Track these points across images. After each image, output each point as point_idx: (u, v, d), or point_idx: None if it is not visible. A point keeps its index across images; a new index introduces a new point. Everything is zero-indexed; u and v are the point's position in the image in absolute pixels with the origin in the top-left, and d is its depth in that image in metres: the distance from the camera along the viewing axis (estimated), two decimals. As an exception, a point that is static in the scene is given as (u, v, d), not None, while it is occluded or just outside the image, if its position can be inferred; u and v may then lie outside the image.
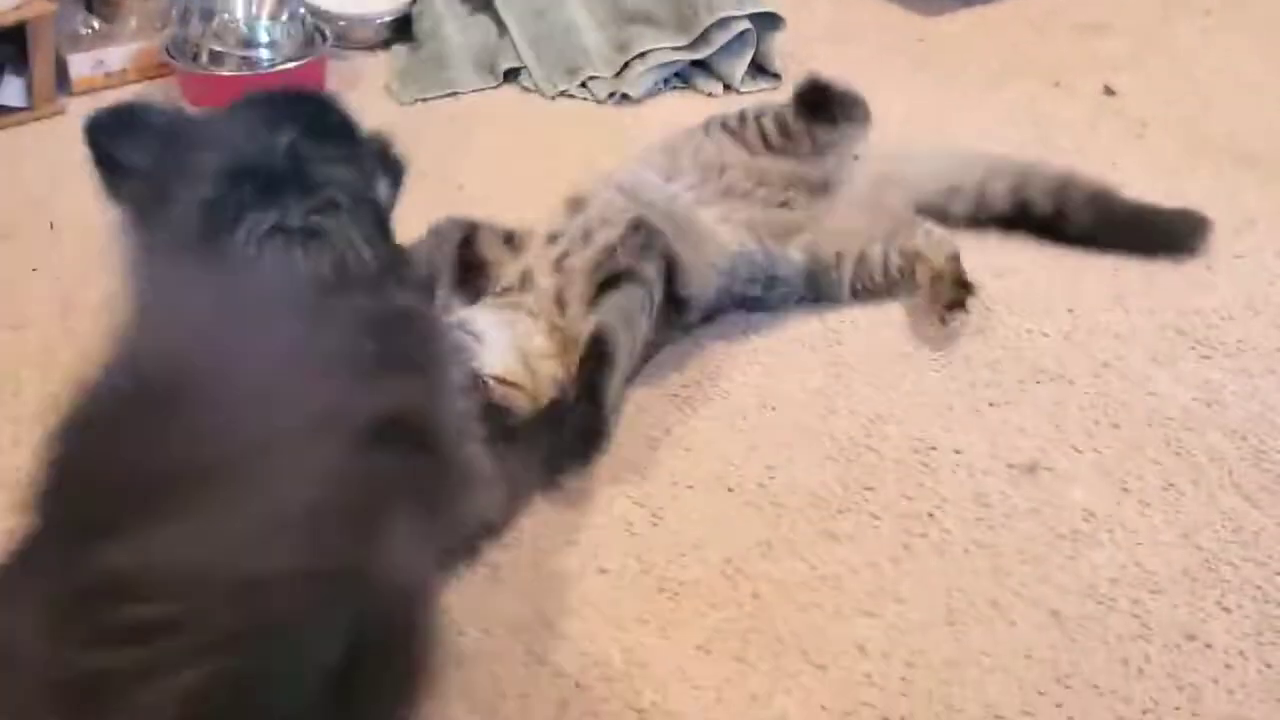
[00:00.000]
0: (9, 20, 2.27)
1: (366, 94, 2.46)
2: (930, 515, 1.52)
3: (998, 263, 1.97)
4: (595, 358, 1.56)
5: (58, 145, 2.27)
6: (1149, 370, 1.76)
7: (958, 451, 1.61)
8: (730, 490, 1.55)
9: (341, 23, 2.56)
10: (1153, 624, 1.38)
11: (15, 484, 1.53)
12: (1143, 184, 2.20)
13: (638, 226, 1.71)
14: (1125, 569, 1.45)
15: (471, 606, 1.38)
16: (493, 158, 2.27)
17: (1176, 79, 2.61)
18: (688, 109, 2.44)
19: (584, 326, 1.60)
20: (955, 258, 1.86)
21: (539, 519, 1.50)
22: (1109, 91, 2.56)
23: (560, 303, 1.66)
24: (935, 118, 2.43)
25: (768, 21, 2.51)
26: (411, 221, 2.00)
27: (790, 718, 1.27)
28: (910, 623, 1.38)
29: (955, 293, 1.80)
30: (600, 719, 1.27)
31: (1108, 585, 1.43)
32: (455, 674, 1.30)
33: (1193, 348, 1.81)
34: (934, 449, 1.62)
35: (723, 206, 1.82)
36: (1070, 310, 1.88)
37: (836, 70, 2.53)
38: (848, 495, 1.55)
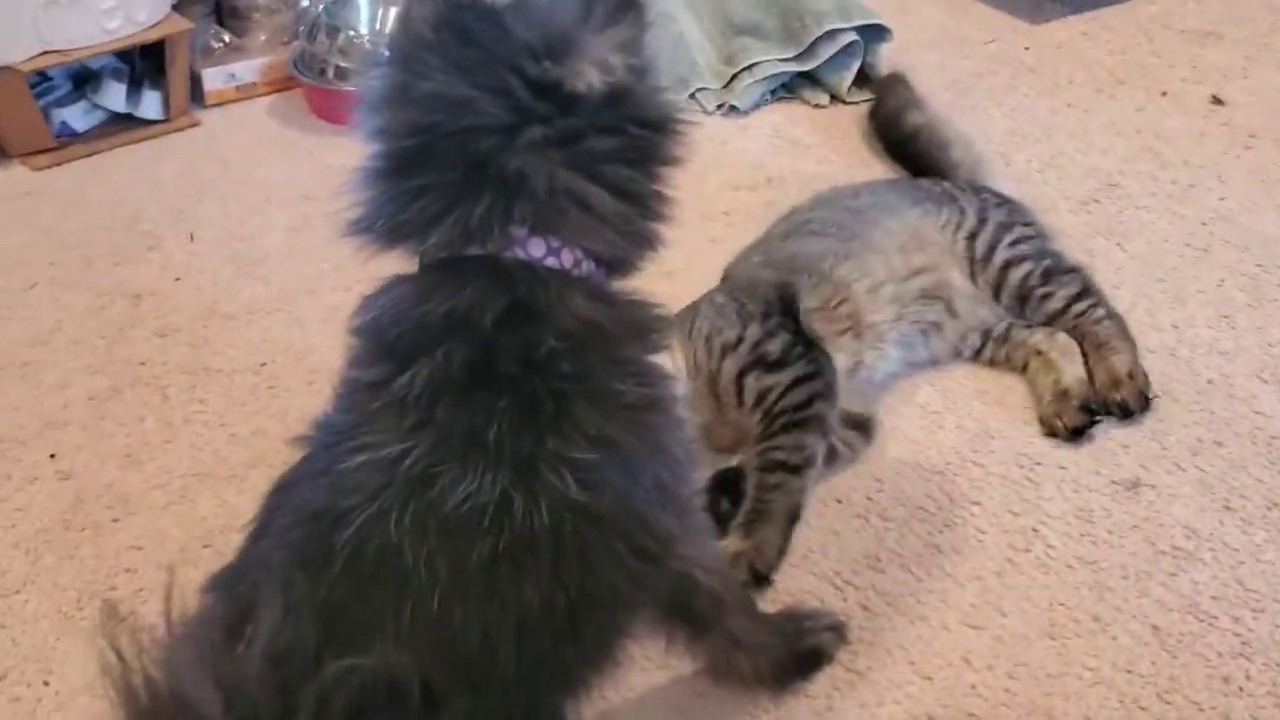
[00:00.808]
0: (150, 37, 2.39)
1: (484, 105, 2.55)
2: (1034, 530, 1.56)
3: (1102, 279, 1.99)
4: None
5: (194, 156, 2.39)
6: (1254, 388, 1.79)
7: (1062, 467, 1.66)
8: (839, 502, 1.61)
9: (460, 36, 2.65)
10: (1254, 642, 1.42)
11: (168, 485, 1.65)
12: (1249, 197, 2.22)
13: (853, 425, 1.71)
14: (1227, 587, 1.48)
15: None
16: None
17: (1287, 88, 2.61)
18: (793, 120, 2.50)
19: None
20: (1084, 381, 1.76)
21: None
22: (1217, 101, 2.56)
23: (717, 399, 1.69)
24: (1039, 130, 2.45)
25: (874, 33, 2.55)
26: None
27: (898, 725, 1.33)
28: (1014, 635, 1.43)
29: (1080, 418, 1.71)
30: (717, 721, 1.35)
31: (1209, 603, 1.46)
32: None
33: (1298, 365, 1.83)
34: (1039, 464, 1.67)
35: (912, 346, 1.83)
36: (1175, 326, 1.91)
37: (939, 81, 2.58)
38: (954, 509, 1.60)
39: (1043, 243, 1.93)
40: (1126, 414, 1.73)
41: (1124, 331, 1.83)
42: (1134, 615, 1.45)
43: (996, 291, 1.87)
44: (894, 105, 2.36)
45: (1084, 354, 1.80)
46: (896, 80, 2.44)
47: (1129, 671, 1.39)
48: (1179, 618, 1.45)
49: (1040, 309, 1.86)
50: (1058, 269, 1.89)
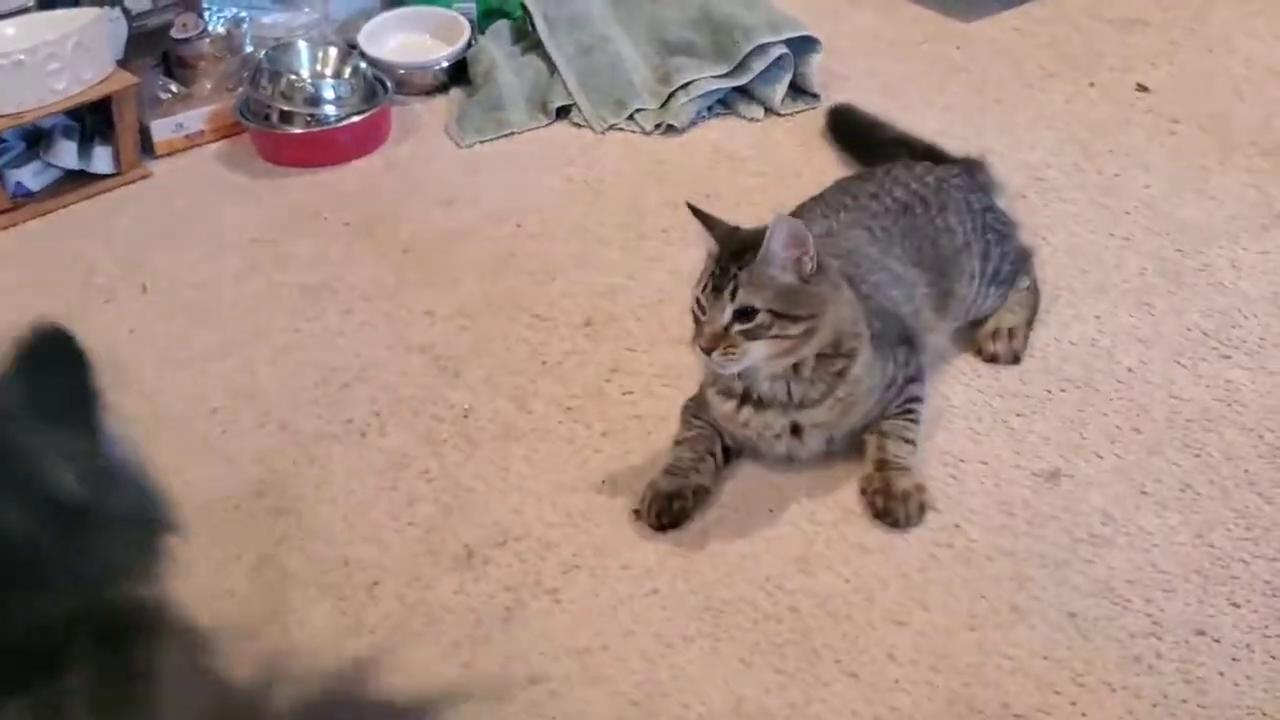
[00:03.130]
0: (97, 94, 2.45)
1: (427, 139, 2.61)
2: (957, 526, 1.63)
3: (1027, 273, 2.06)
4: None
5: (146, 207, 2.45)
6: (1171, 372, 1.85)
7: (984, 463, 1.72)
8: (770, 511, 1.67)
9: (401, 72, 2.71)
10: (1164, 621, 1.48)
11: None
12: (1171, 183, 2.28)
13: None
14: (1140, 570, 1.55)
15: (534, 632, 1.53)
16: (547, 195, 2.40)
17: (1211, 72, 2.66)
18: (730, 135, 2.56)
19: None
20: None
21: (594, 545, 1.64)
22: (1142, 89, 2.62)
23: None
24: (968, 128, 2.51)
25: (804, 44, 2.61)
26: (469, 271, 2.15)
27: (824, 723, 1.40)
28: (936, 629, 1.49)
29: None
30: (652, 731, 1.41)
31: (1123, 586, 1.53)
32: (521, 694, 1.45)
33: (1215, 347, 1.89)
34: (962, 461, 1.73)
35: None
36: (1097, 317, 1.97)
37: (872, 86, 2.65)
38: (881, 509, 1.67)
39: None
40: (993, 361, 1.89)
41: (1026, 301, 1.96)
42: (1051, 603, 1.52)
43: None
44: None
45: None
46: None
47: (1045, 658, 1.45)
48: (1094, 602, 1.51)
49: None
50: None
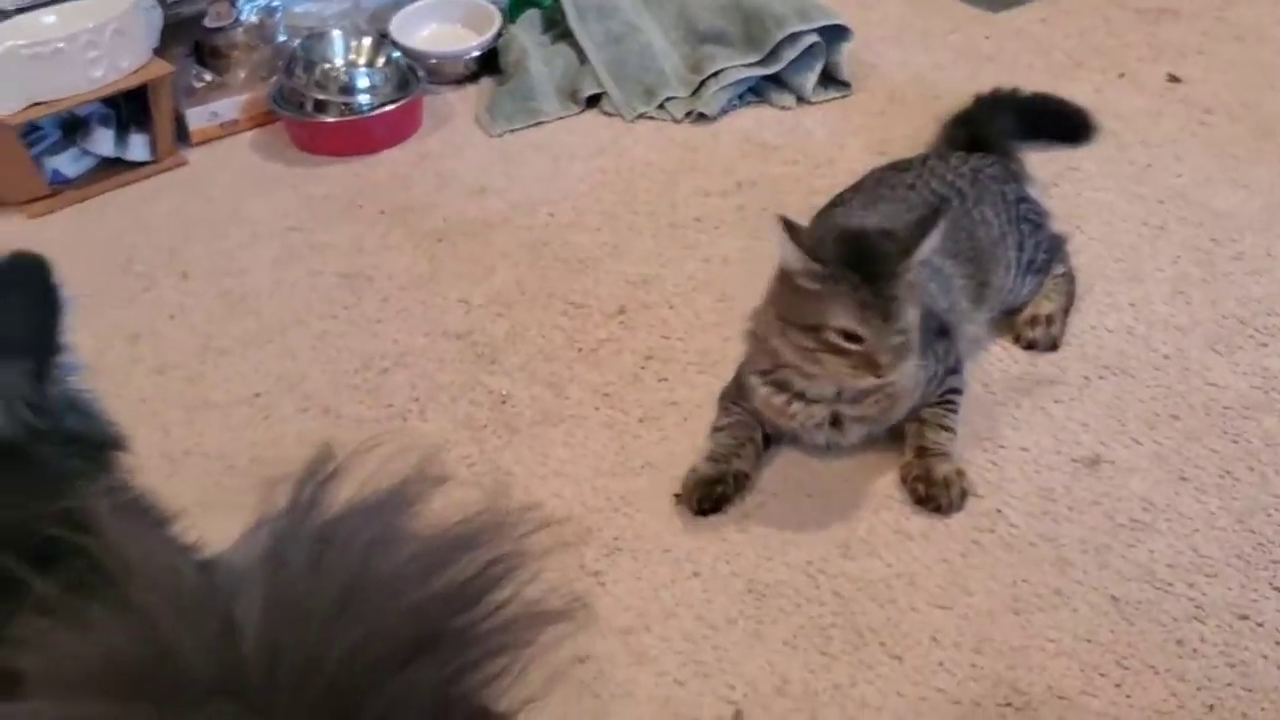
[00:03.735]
0: (134, 83, 2.46)
1: (459, 128, 2.63)
2: (998, 511, 1.64)
3: (1062, 261, 2.07)
4: None
5: (183, 195, 2.47)
6: (1208, 360, 1.86)
7: (1024, 449, 1.73)
8: (810, 496, 1.69)
9: (433, 61, 2.72)
10: (1207, 606, 1.49)
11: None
12: (1204, 173, 2.28)
13: None
14: (1182, 555, 1.56)
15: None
16: (578, 184, 2.41)
17: (1242, 62, 2.66)
18: (761, 123, 2.57)
19: None
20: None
21: (635, 529, 1.65)
22: (1173, 79, 2.62)
23: None
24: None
25: (835, 33, 2.62)
26: (503, 260, 2.17)
27: (869, 704, 1.41)
28: (979, 612, 1.51)
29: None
30: (699, 712, 1.42)
31: (1165, 571, 1.54)
32: (567, 672, 1.46)
33: (1252, 335, 1.90)
34: (1002, 447, 1.74)
35: None
36: (1132, 305, 1.98)
37: (902, 76, 2.65)
38: (921, 495, 1.68)
39: None
40: (1031, 348, 1.90)
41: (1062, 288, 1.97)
42: (1094, 587, 1.53)
43: None
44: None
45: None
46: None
47: (1089, 641, 1.46)
48: (1136, 587, 1.52)
49: None
50: None
